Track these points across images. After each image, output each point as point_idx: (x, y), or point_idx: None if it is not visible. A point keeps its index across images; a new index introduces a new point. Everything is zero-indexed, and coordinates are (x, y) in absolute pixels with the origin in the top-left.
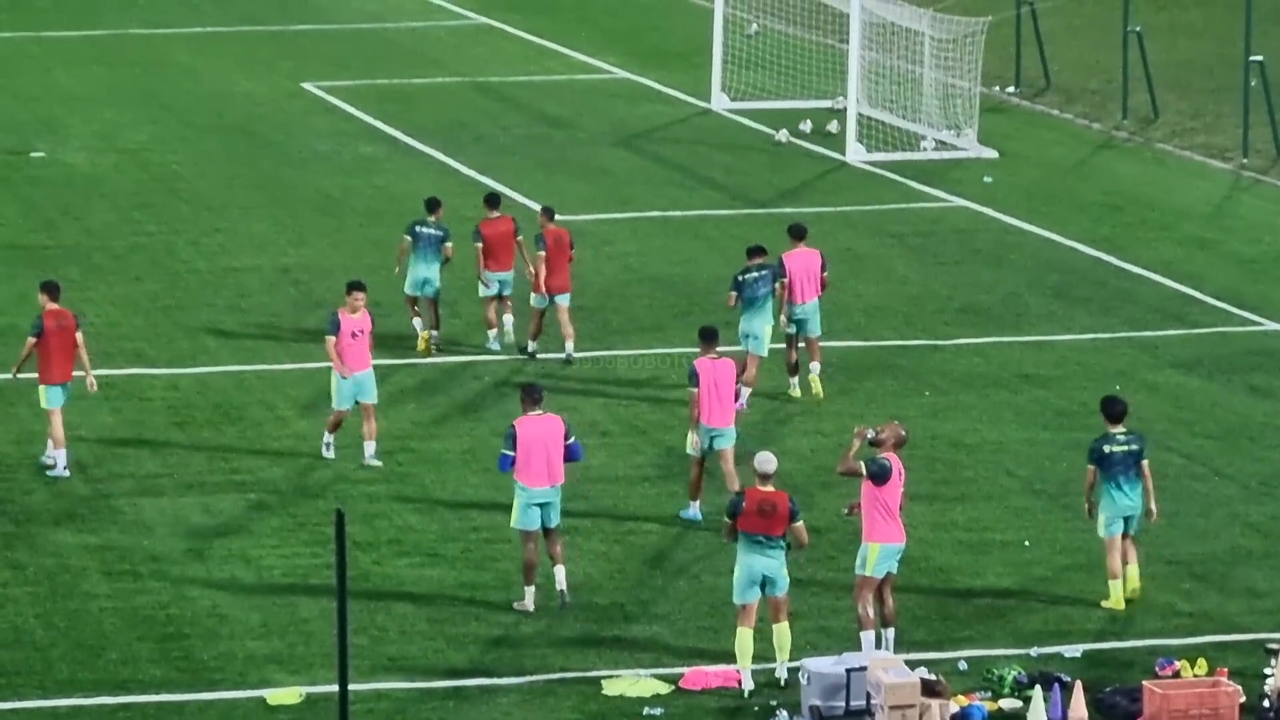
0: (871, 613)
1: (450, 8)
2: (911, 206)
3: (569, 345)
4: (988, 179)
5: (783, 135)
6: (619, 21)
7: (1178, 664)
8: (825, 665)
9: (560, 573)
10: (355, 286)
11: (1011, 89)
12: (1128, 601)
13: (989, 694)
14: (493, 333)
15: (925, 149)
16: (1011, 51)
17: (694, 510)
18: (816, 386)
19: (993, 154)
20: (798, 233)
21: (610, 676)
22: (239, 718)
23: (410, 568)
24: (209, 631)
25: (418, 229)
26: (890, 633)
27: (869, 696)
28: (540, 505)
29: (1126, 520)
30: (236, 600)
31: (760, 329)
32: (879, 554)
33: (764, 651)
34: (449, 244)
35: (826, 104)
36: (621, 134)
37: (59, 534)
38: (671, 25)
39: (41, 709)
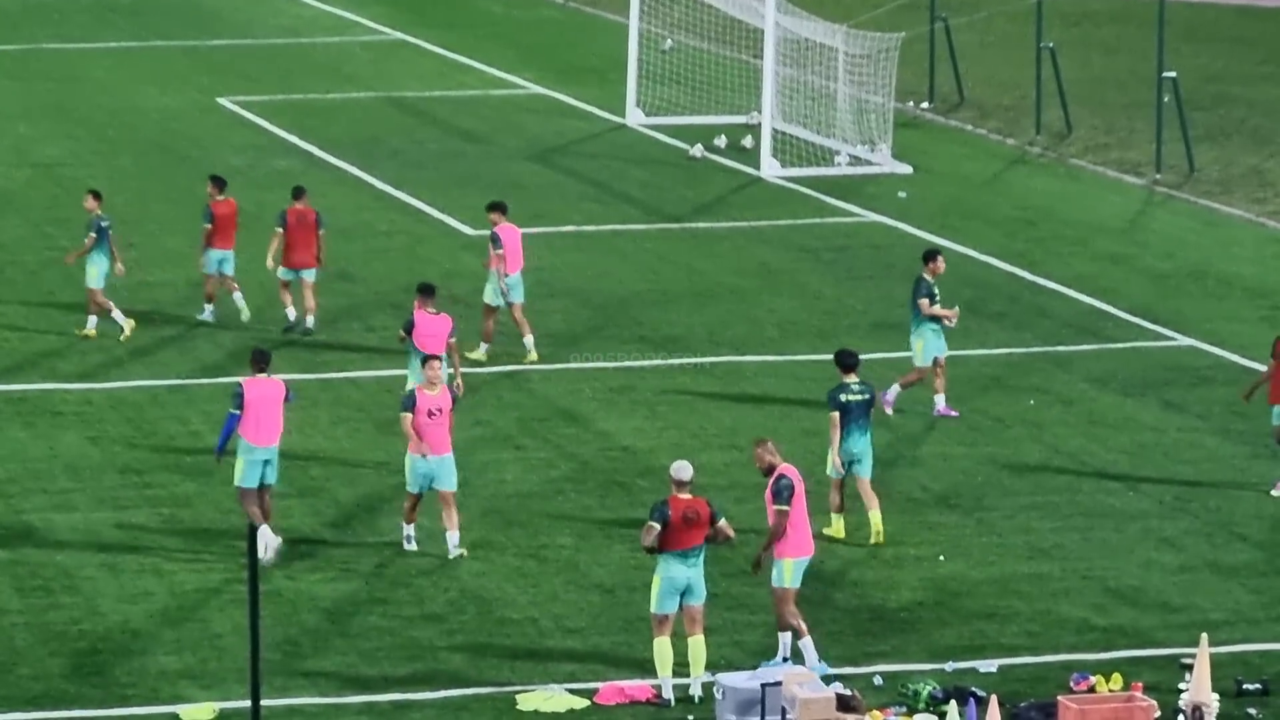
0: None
1: (365, 23)
2: (826, 221)
3: (309, 320)
4: (902, 194)
5: (697, 150)
6: (533, 37)
7: (1092, 679)
8: (740, 680)
9: (267, 531)
10: (432, 358)
11: (925, 104)
12: (875, 546)
13: (904, 709)
14: (209, 306)
15: (839, 164)
16: (925, 67)
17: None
18: (533, 355)
19: (907, 169)
20: (502, 207)
21: (525, 691)
22: None
23: (323, 582)
24: (121, 647)
25: (101, 224)
26: (789, 638)
27: (784, 711)
28: (263, 462)
29: (855, 464)
30: (149, 616)
31: (912, 343)
32: (793, 567)
33: (679, 666)
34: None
35: (741, 119)
36: (536, 149)
37: None
38: (586, 41)
39: None
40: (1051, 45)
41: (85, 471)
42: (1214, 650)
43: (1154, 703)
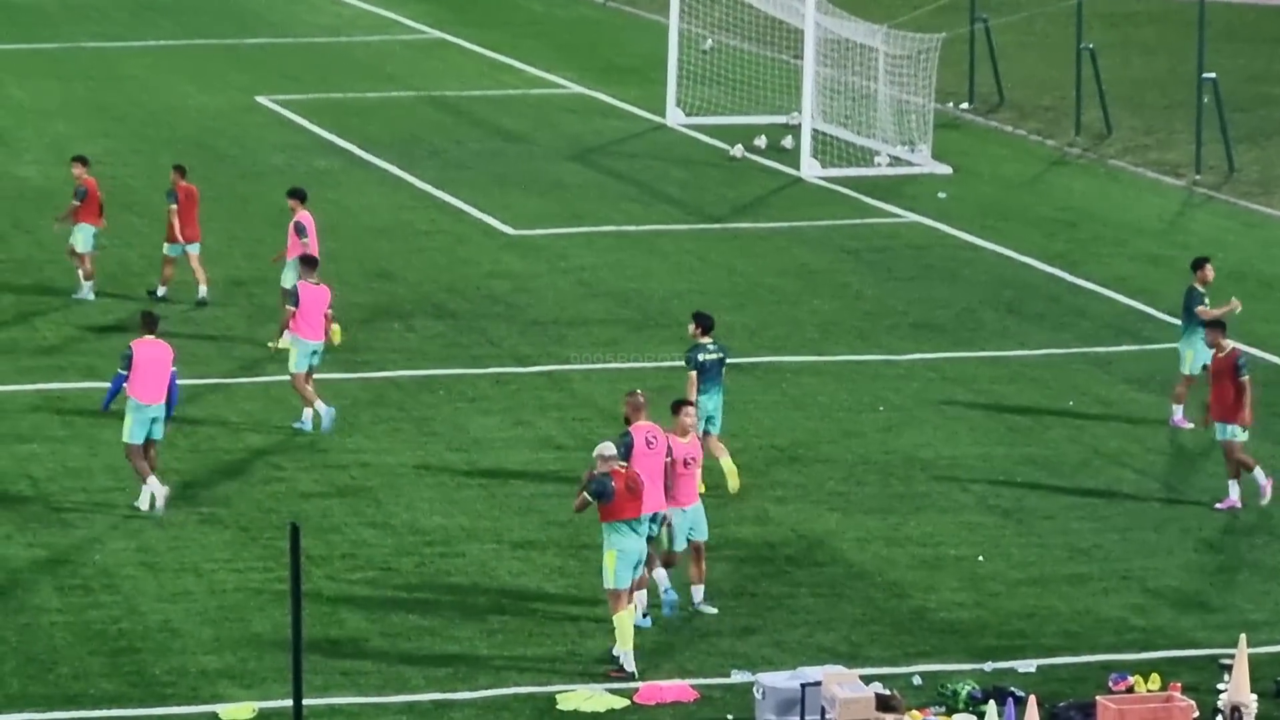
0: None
1: (405, 22)
2: (866, 222)
3: (203, 289)
4: (942, 195)
5: (738, 150)
6: (574, 36)
7: (1131, 679)
8: (780, 680)
9: (154, 482)
10: (684, 403)
11: (965, 105)
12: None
13: (943, 709)
14: (88, 284)
15: (879, 165)
16: (965, 68)
17: (307, 420)
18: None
19: (947, 170)
20: (302, 194)
21: (565, 691)
22: None
23: (364, 582)
24: (161, 646)
25: None
26: (640, 596)
27: (823, 711)
28: (150, 420)
29: (708, 421)
30: (189, 615)
31: (1181, 351)
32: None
33: (711, 667)
34: None
35: (781, 119)
36: (576, 149)
37: (10, 547)
38: (626, 40)
39: None
40: (1091, 46)
41: (124, 470)
42: (1253, 651)
43: (1193, 703)
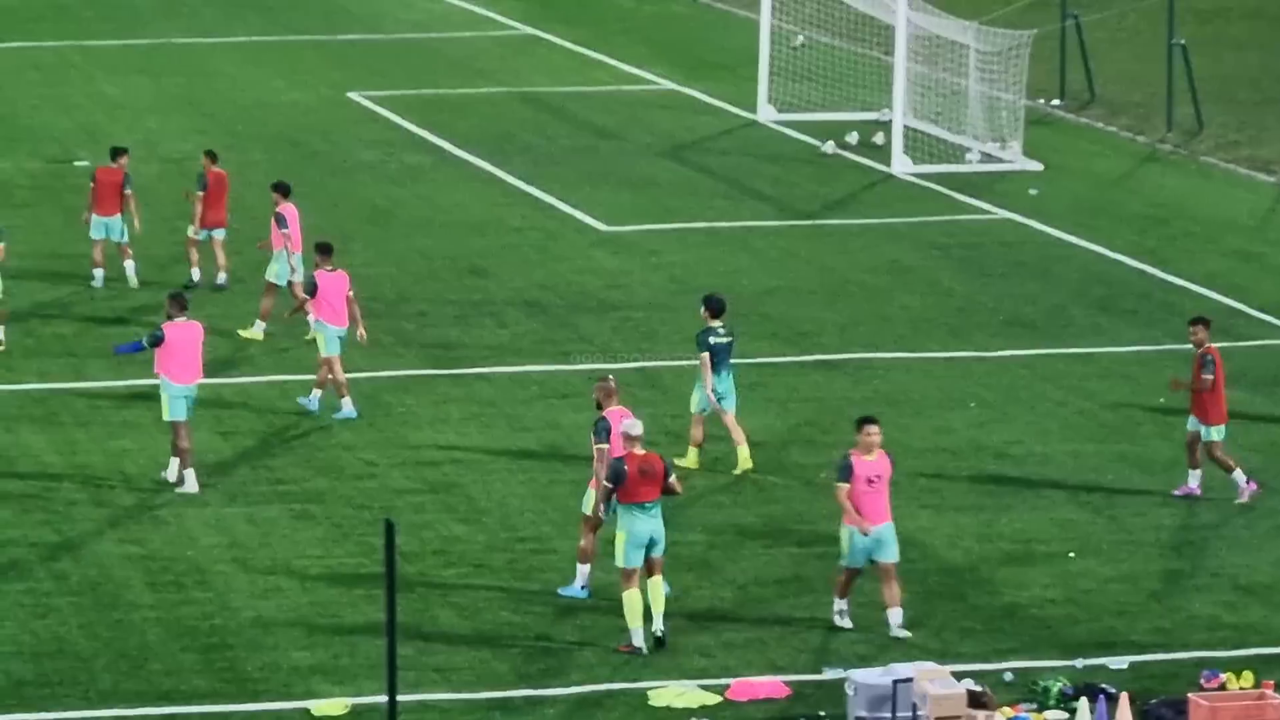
0: None
1: (497, 18)
2: (957, 219)
3: (222, 276)
4: (1033, 191)
5: (829, 147)
6: (665, 33)
7: (1223, 676)
8: (872, 676)
9: (176, 466)
10: (868, 421)
11: (1056, 102)
12: (741, 476)
13: (1035, 705)
14: (99, 271)
15: (970, 161)
16: (1056, 64)
17: (313, 401)
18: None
19: (1038, 166)
20: (285, 188)
21: (657, 687)
22: None
23: (456, 578)
24: (253, 642)
25: None
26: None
27: (915, 708)
28: (185, 398)
29: (721, 400)
30: (281, 611)
31: None
32: (593, 497)
33: (803, 663)
34: None
35: (872, 116)
36: (668, 145)
37: (102, 544)
38: (717, 37)
39: (85, 719)
40: (1183, 42)
41: (217, 466)
42: None
43: None
